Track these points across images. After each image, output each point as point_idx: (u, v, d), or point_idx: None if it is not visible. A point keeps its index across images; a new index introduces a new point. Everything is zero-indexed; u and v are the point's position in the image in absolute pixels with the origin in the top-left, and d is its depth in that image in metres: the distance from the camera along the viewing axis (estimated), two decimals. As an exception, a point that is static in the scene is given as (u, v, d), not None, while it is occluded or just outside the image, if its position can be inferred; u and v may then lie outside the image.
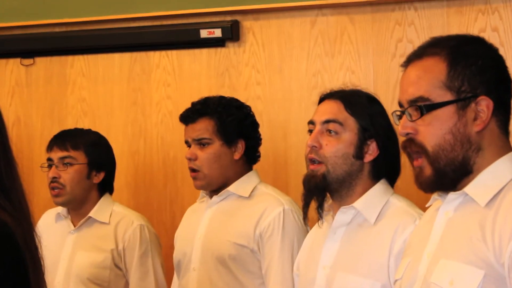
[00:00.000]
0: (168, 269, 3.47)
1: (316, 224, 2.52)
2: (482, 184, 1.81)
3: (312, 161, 2.40)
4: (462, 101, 1.81)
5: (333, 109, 2.41)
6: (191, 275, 2.94)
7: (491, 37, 3.28)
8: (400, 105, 1.89)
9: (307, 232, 2.81)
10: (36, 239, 1.81)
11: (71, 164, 3.21)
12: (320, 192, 2.40)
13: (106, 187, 3.31)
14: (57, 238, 3.25)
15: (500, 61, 1.89)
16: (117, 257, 3.20)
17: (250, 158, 3.01)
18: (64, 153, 3.22)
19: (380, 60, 3.49)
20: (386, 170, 2.44)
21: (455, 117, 1.82)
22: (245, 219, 2.88)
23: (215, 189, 2.97)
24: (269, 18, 3.71)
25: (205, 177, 2.92)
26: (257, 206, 2.89)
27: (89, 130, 3.40)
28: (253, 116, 3.03)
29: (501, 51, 3.24)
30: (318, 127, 2.41)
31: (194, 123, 2.95)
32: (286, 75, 3.68)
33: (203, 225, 2.97)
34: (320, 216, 2.43)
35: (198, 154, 2.93)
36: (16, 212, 1.77)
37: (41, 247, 1.83)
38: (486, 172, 1.82)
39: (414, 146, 1.85)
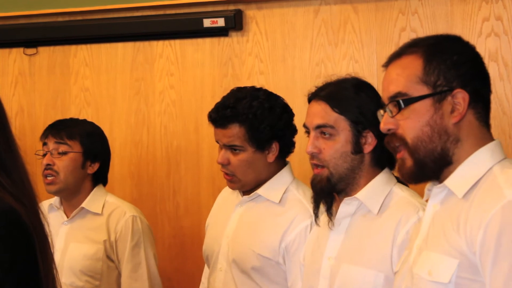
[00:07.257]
0: (176, 256, 3.47)
1: (324, 215, 2.51)
2: (460, 176, 1.89)
3: (315, 166, 2.42)
4: (438, 94, 1.90)
5: (320, 112, 2.40)
6: (218, 275, 2.89)
7: (494, 26, 3.27)
8: (383, 104, 1.97)
9: None
10: (41, 216, 1.82)
11: (66, 153, 3.20)
12: (327, 194, 2.42)
13: (99, 178, 3.28)
14: (51, 229, 3.22)
15: (476, 57, 1.96)
16: (109, 248, 3.17)
17: (284, 153, 2.89)
18: (59, 141, 3.20)
19: (383, 49, 3.47)
20: (387, 155, 2.43)
21: (431, 110, 1.89)
22: (272, 230, 2.79)
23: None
24: (272, 7, 3.70)
25: (240, 181, 2.83)
26: (285, 216, 2.79)
27: (84, 120, 3.37)
28: (286, 112, 2.86)
29: (505, 40, 3.28)
30: (312, 133, 2.42)
31: (224, 129, 2.80)
32: (290, 65, 3.68)
33: (231, 226, 2.90)
34: (330, 219, 2.44)
35: (230, 159, 2.81)
36: (18, 191, 1.77)
37: (47, 225, 1.84)
38: (464, 164, 1.90)
39: (395, 140, 1.94)
